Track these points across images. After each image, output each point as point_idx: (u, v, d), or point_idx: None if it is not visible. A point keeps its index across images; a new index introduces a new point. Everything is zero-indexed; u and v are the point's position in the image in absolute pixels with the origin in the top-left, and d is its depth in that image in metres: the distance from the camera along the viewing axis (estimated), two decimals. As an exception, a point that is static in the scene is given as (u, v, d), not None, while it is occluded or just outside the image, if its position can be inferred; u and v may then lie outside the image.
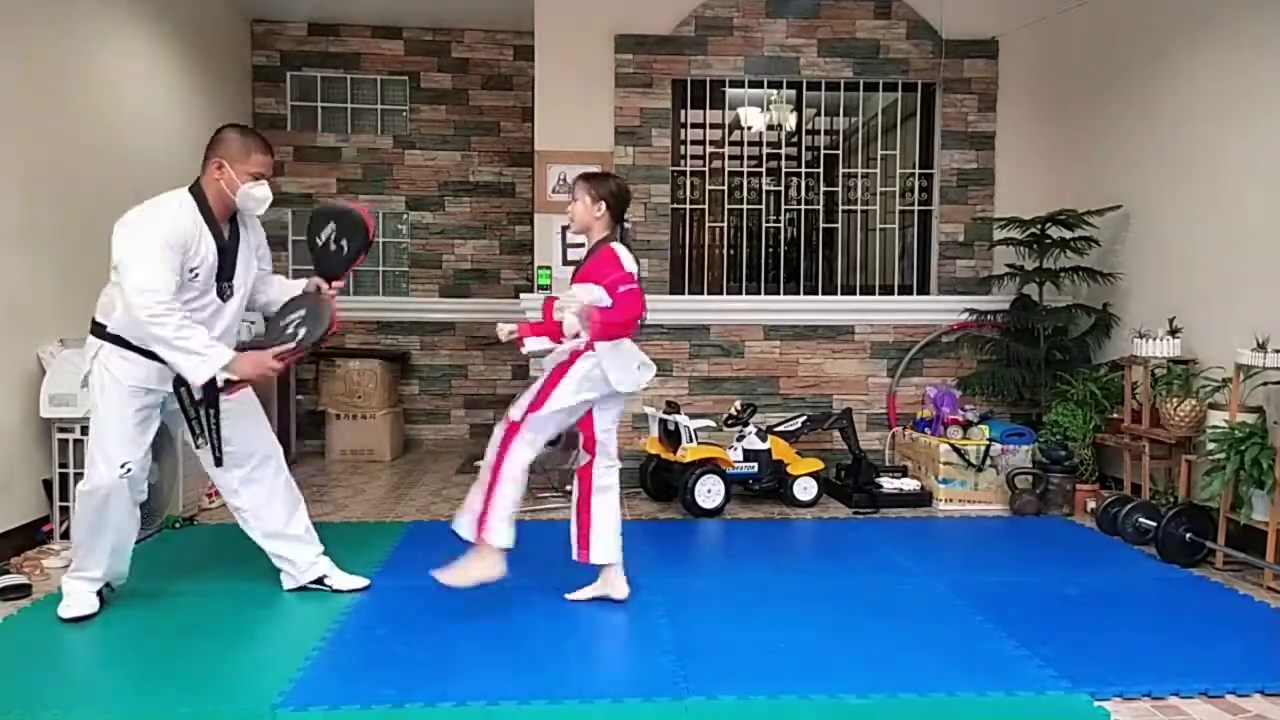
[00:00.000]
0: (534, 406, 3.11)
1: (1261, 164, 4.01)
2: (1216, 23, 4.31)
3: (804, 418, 5.04)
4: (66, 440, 3.87)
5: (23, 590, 3.33)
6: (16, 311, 3.87)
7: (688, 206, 5.61)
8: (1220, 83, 4.27)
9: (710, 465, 4.61)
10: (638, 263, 3.23)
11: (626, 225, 3.33)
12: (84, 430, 3.84)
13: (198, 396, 3.06)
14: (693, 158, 5.76)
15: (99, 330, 3.09)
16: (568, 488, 5.06)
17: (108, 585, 3.23)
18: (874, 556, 4.00)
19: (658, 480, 4.98)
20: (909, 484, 4.97)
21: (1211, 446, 3.77)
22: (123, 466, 3.03)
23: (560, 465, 5.06)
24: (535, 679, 2.62)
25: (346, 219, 3.19)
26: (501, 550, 3.06)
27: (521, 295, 5.41)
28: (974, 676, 2.68)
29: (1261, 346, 3.65)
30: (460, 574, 3.05)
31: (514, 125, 6.74)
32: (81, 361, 3.84)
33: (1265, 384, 3.87)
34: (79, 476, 3.84)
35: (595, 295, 3.09)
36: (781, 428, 5.03)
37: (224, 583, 3.41)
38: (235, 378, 2.97)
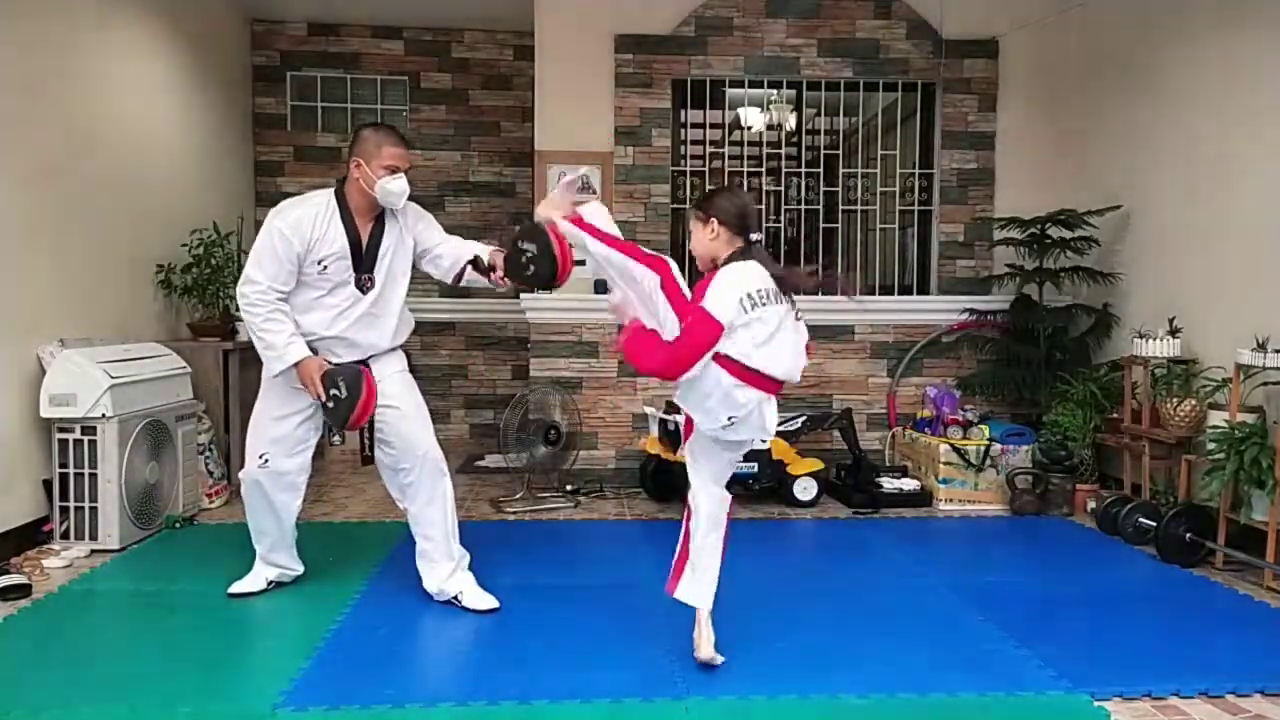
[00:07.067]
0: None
1: (1262, 163, 4.01)
2: (1217, 22, 4.31)
3: (804, 418, 5.04)
4: (66, 440, 3.87)
5: (23, 590, 3.33)
6: (16, 311, 3.86)
7: (688, 206, 5.60)
8: (1221, 82, 4.27)
9: (710, 465, 4.60)
10: (759, 282, 2.63)
11: (755, 239, 2.72)
12: (84, 430, 3.85)
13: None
14: (693, 158, 5.76)
15: None
16: (568, 487, 5.09)
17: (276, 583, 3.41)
18: (874, 556, 4.00)
19: (658, 480, 4.98)
20: (909, 484, 4.97)
21: (1211, 446, 3.77)
22: (260, 457, 3.20)
23: (560, 465, 5.06)
24: (535, 679, 2.63)
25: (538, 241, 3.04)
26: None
27: (521, 295, 5.41)
28: (974, 676, 2.68)
29: (1261, 346, 3.65)
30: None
31: (514, 125, 6.73)
32: (82, 361, 3.89)
33: (1265, 384, 3.87)
34: (79, 476, 3.87)
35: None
36: (781, 428, 5.02)
37: (224, 583, 3.40)
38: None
